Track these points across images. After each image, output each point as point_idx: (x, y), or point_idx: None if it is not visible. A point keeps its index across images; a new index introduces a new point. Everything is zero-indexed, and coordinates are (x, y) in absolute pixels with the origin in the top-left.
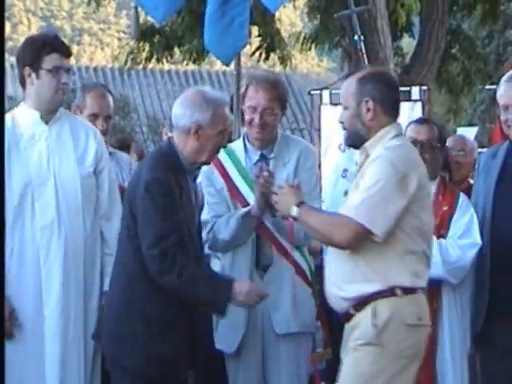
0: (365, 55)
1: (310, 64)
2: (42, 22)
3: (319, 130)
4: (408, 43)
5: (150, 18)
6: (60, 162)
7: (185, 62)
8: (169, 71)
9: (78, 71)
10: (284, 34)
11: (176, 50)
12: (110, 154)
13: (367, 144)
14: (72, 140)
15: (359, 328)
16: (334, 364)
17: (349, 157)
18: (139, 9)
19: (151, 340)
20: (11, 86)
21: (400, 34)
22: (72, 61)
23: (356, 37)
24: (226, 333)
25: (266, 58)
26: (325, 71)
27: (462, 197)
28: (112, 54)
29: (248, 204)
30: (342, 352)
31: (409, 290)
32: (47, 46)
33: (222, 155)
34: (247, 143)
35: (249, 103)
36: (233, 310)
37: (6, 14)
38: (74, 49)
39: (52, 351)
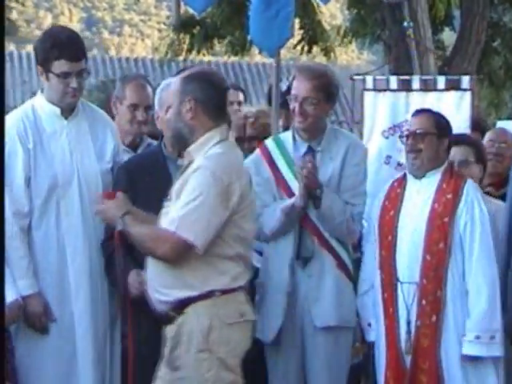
0: (413, 42)
1: (350, 56)
2: (83, 13)
3: (358, 122)
4: (449, 36)
5: (190, 10)
6: (82, 158)
7: (226, 54)
8: (209, 63)
9: (118, 62)
10: (325, 26)
11: (215, 41)
12: (149, 145)
13: (190, 148)
14: (91, 136)
15: (184, 333)
16: (369, 358)
17: (392, 143)
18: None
19: None
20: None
21: (441, 27)
22: (112, 52)
23: (405, 23)
24: (264, 322)
25: (309, 51)
26: (365, 63)
27: (469, 185)
28: (152, 46)
29: (293, 194)
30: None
31: (226, 291)
32: (56, 50)
33: (271, 145)
34: (296, 135)
35: (292, 92)
36: (271, 300)
37: (48, 5)
38: (115, 40)
39: (86, 348)
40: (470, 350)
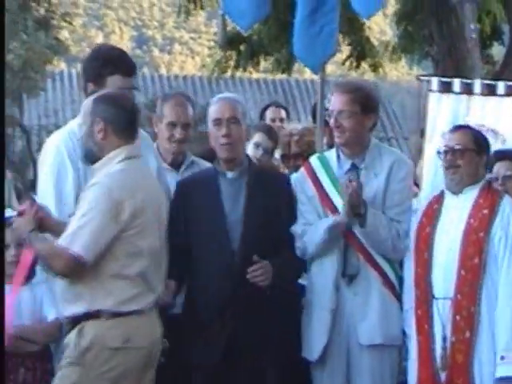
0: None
1: (400, 72)
2: (133, 31)
3: (407, 138)
4: (499, 51)
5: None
6: None
7: (272, 72)
8: (257, 80)
9: (167, 80)
10: (374, 41)
11: (261, 58)
12: (192, 162)
13: (95, 166)
14: None
15: (68, 347)
16: None
17: None
18: (227, 17)
19: None
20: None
21: (490, 42)
22: (163, 70)
23: (472, 26)
24: (310, 340)
25: (357, 67)
26: (414, 79)
27: (506, 201)
28: (201, 63)
29: (337, 212)
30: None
31: (115, 314)
32: (110, 66)
33: (315, 163)
34: (339, 152)
35: (329, 108)
36: (316, 318)
37: (99, 24)
38: (165, 58)
39: None
40: (499, 371)
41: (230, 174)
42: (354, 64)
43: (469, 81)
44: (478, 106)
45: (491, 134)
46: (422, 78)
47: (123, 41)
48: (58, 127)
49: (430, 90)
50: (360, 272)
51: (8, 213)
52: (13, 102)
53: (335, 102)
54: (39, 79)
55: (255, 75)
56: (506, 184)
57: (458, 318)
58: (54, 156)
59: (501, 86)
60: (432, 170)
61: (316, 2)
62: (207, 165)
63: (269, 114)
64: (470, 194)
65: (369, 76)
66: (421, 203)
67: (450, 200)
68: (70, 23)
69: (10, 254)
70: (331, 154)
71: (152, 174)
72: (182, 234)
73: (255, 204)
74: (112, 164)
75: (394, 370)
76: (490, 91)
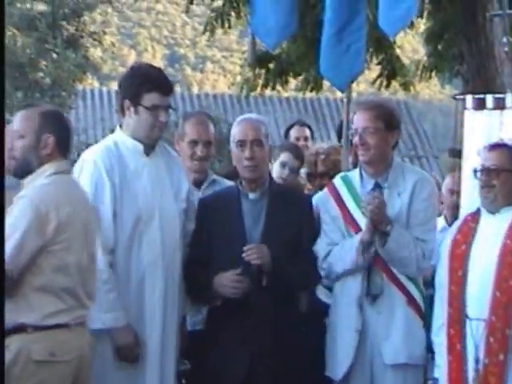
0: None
1: (432, 91)
2: (166, 49)
3: (437, 157)
4: None
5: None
6: (161, 196)
7: (301, 91)
8: (287, 98)
9: (197, 98)
10: (406, 60)
11: (290, 77)
12: (214, 181)
13: (26, 180)
14: (168, 175)
15: None
16: None
17: None
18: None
19: None
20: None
21: None
22: (195, 88)
23: (504, 39)
24: (335, 359)
25: (388, 86)
26: (447, 98)
27: None
28: (239, 81)
29: (361, 231)
30: None
31: (40, 327)
32: (148, 84)
33: (338, 183)
34: (363, 171)
35: (353, 127)
36: (341, 338)
37: (131, 43)
38: (198, 76)
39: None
40: None
41: (251, 196)
42: (385, 83)
43: (501, 95)
44: (510, 120)
45: None
46: (457, 96)
47: (155, 59)
48: (88, 145)
49: (466, 109)
50: (384, 291)
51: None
52: None
53: (359, 119)
54: (68, 97)
55: (285, 93)
56: None
57: (491, 339)
58: (92, 172)
59: None
60: (469, 187)
61: (343, 20)
62: (229, 183)
63: (293, 132)
64: (507, 214)
65: (400, 95)
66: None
67: (486, 218)
68: (100, 42)
69: None
70: (354, 174)
71: (82, 190)
72: (205, 247)
73: (275, 224)
74: (41, 178)
75: None
76: None
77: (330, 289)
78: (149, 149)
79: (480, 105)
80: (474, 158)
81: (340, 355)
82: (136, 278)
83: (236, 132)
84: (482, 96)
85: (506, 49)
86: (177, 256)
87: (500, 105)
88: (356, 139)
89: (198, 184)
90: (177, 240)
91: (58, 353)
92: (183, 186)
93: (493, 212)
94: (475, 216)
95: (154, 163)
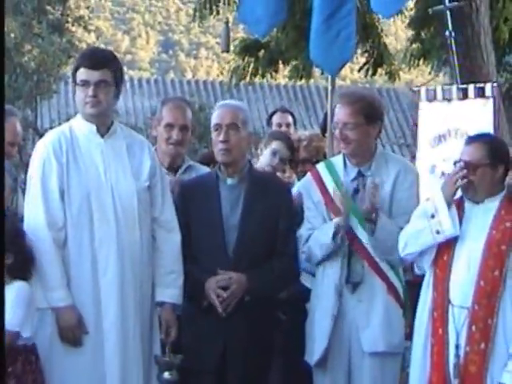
0: (455, 52)
1: (425, 79)
2: (159, 35)
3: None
4: None
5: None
6: (117, 175)
7: (291, 79)
8: (277, 86)
9: (188, 85)
10: (394, 48)
11: (280, 65)
12: (190, 166)
13: None
14: (127, 155)
15: None
16: None
17: (438, 153)
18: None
19: None
20: (131, 100)
21: (509, 49)
22: (189, 74)
23: (447, 32)
24: (311, 344)
25: (374, 74)
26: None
27: None
28: (228, 69)
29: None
30: None
31: None
32: (78, 60)
33: (322, 169)
34: (346, 159)
35: (334, 119)
36: (318, 323)
37: (125, 28)
38: (191, 63)
39: (112, 364)
40: (504, 379)
41: (229, 181)
42: (371, 71)
43: (448, 87)
44: (455, 110)
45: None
46: (413, 88)
47: (149, 45)
48: None
49: (420, 100)
50: (364, 279)
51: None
52: (26, 104)
53: (339, 113)
54: (53, 82)
55: (275, 81)
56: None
57: (473, 328)
58: (41, 154)
59: (471, 89)
60: (424, 180)
61: (332, 6)
62: (205, 169)
63: (276, 119)
64: (492, 205)
65: (396, 83)
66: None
67: (471, 207)
68: (85, 27)
69: None
70: (338, 161)
71: None
72: (184, 232)
73: (253, 210)
74: None
75: (395, 378)
76: (465, 95)
77: (314, 275)
78: (103, 130)
79: (433, 96)
80: (425, 149)
81: (316, 340)
82: (88, 256)
83: (213, 117)
84: (432, 87)
85: (450, 42)
86: (136, 234)
87: (481, 94)
88: (337, 133)
89: (174, 169)
90: (135, 218)
91: None
92: (145, 165)
93: (477, 202)
94: (460, 202)
95: (109, 144)
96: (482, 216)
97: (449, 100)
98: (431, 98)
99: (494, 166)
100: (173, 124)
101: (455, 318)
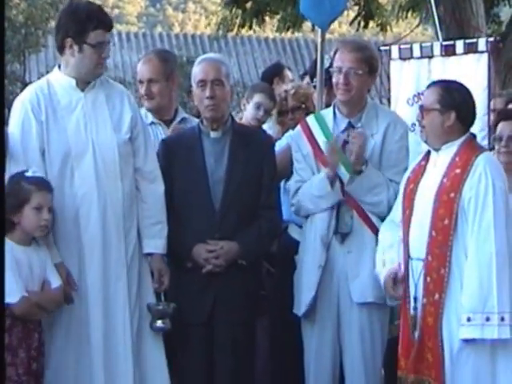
0: (435, 10)
1: (414, 33)
2: None
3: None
4: (506, 11)
5: None
6: (97, 129)
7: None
8: (266, 39)
9: (176, 39)
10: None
11: (267, 17)
12: (183, 119)
13: None
14: (107, 107)
15: None
16: None
17: (416, 111)
18: None
19: None
20: (119, 54)
21: (497, 1)
22: (176, 29)
23: None
24: (299, 295)
25: (365, 26)
26: (430, 40)
27: (481, 159)
28: (216, 21)
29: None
30: None
31: None
32: (94, 21)
33: (312, 121)
34: (336, 111)
35: (335, 65)
36: (306, 274)
37: None
38: (179, 17)
39: (96, 317)
40: (463, 333)
41: (213, 134)
42: (362, 24)
43: (428, 44)
44: (438, 67)
45: None
46: (382, 48)
47: None
48: None
49: (391, 59)
50: (354, 230)
51: (29, 173)
52: (14, 58)
53: (344, 59)
54: (41, 36)
55: (264, 34)
56: (509, 145)
57: (428, 279)
58: (19, 113)
59: (459, 45)
60: None
61: None
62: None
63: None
64: (449, 152)
65: (385, 36)
66: None
67: (432, 157)
68: None
69: (42, 217)
70: (327, 113)
71: None
72: (167, 191)
73: (238, 162)
74: None
75: (384, 328)
76: (450, 52)
77: (302, 227)
78: (83, 84)
79: (407, 54)
80: (402, 107)
81: (303, 291)
82: (70, 214)
83: (197, 72)
84: (408, 46)
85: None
86: (118, 186)
87: (427, 53)
88: (339, 77)
89: (168, 122)
90: (116, 171)
91: None
92: (125, 116)
93: (437, 150)
94: (428, 154)
95: (89, 97)
96: (440, 165)
97: (430, 57)
98: (406, 56)
99: (443, 112)
100: (141, 79)
101: (414, 271)
